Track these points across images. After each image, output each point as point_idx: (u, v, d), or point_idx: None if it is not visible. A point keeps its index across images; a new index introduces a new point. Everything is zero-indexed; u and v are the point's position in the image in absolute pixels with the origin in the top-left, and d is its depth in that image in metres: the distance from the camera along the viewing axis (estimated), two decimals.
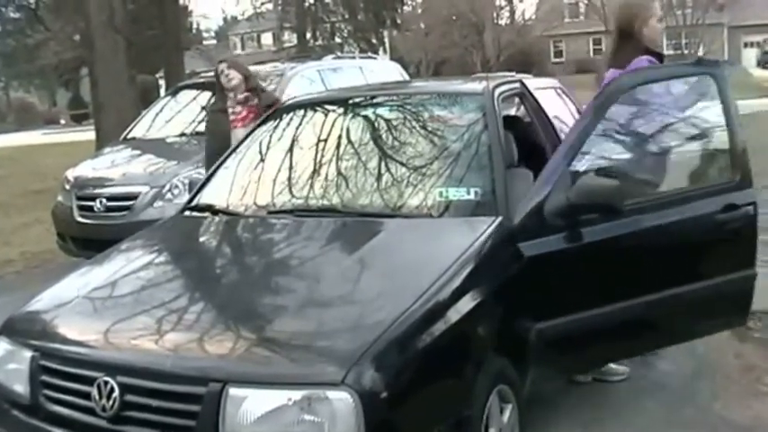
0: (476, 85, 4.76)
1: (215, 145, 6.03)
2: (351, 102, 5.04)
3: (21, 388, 3.18)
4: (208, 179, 4.72)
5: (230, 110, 6.15)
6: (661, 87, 4.34)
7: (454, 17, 50.53)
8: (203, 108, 9.33)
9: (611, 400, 4.60)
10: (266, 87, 6.65)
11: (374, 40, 39.27)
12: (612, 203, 3.75)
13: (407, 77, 11.83)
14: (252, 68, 10.36)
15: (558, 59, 61.20)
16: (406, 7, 47.69)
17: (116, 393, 2.85)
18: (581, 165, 3.91)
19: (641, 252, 4.00)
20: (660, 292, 3.97)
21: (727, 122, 4.29)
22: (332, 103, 5.17)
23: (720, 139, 4.34)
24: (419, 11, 54.05)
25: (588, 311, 3.80)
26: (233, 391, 2.69)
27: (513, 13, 58.96)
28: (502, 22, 56.93)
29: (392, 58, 31.92)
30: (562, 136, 5.09)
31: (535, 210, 3.71)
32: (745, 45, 58.20)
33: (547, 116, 4.97)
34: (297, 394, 2.64)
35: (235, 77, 6.16)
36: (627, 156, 4.25)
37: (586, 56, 60.51)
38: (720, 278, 4.16)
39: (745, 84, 28.80)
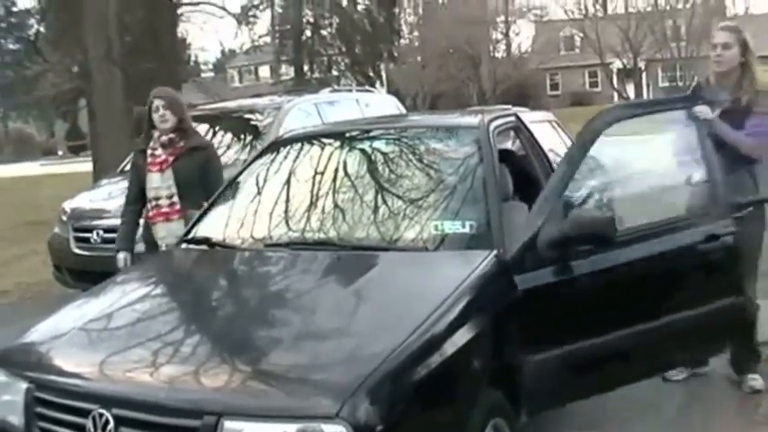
0: (471, 119, 4.80)
1: (134, 189, 5.58)
2: (347, 135, 5.07)
3: (15, 419, 3.18)
4: (205, 212, 4.73)
5: (149, 151, 5.44)
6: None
7: (450, 50, 50.80)
8: None
9: (605, 426, 4.62)
10: (195, 128, 5.87)
11: (371, 73, 39.48)
12: (607, 234, 3.78)
13: (404, 110, 11.87)
14: (249, 101, 10.51)
15: (554, 92, 61.52)
16: (402, 40, 48.15)
17: (111, 426, 2.85)
18: (573, 197, 4.02)
19: (631, 282, 4.07)
20: (651, 320, 4.05)
21: (702, 155, 4.51)
22: (328, 136, 5.19)
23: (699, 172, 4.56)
24: (416, 44, 54.38)
25: (583, 342, 3.83)
26: (228, 425, 2.69)
27: (509, 46, 59.35)
28: (498, 55, 57.27)
29: (389, 91, 32.10)
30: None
31: (529, 243, 3.73)
32: None
33: (542, 149, 5.00)
34: (292, 427, 2.64)
35: (170, 120, 5.41)
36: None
37: (582, 88, 60.91)
38: (706, 306, 4.25)
39: None
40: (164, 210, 5.32)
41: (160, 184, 5.34)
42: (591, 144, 4.11)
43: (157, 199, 5.33)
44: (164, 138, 5.40)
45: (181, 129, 5.45)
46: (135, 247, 5.52)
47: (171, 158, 5.37)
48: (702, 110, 4.50)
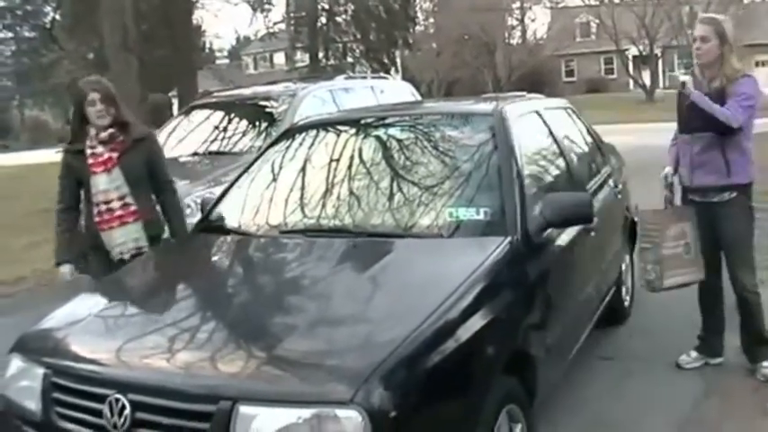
0: (486, 106, 4.81)
1: (69, 195, 4.97)
2: (362, 122, 5.09)
3: (33, 405, 3.21)
4: (220, 199, 4.75)
5: (89, 150, 4.83)
6: None
7: (466, 37, 50.59)
8: (216, 127, 9.42)
9: (615, 418, 4.63)
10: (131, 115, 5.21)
11: (386, 60, 39.47)
12: (588, 213, 3.99)
13: (419, 97, 11.86)
14: (264, 89, 10.51)
15: (569, 79, 61.25)
16: (417, 27, 48.10)
17: (127, 411, 2.87)
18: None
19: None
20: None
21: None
22: (343, 123, 5.20)
23: None
24: (431, 31, 54.21)
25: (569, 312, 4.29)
26: (243, 409, 2.71)
27: (524, 32, 59.06)
28: (513, 42, 56.99)
29: (404, 78, 32.05)
30: (572, 156, 5.15)
31: (524, 231, 3.85)
32: (757, 64, 58.11)
33: (555, 136, 5.01)
34: (306, 412, 2.65)
35: (108, 114, 4.84)
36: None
37: (597, 75, 60.62)
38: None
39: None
40: (117, 213, 4.83)
41: (108, 185, 4.82)
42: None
43: (108, 202, 4.82)
44: (103, 134, 4.82)
45: (119, 122, 4.89)
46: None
47: (115, 155, 4.84)
48: (688, 85, 4.76)
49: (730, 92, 4.78)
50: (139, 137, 4.96)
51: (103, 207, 4.83)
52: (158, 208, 5.06)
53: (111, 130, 4.84)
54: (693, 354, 5.25)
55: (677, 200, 5.23)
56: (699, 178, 4.96)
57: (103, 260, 4.86)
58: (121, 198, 4.84)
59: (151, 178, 4.98)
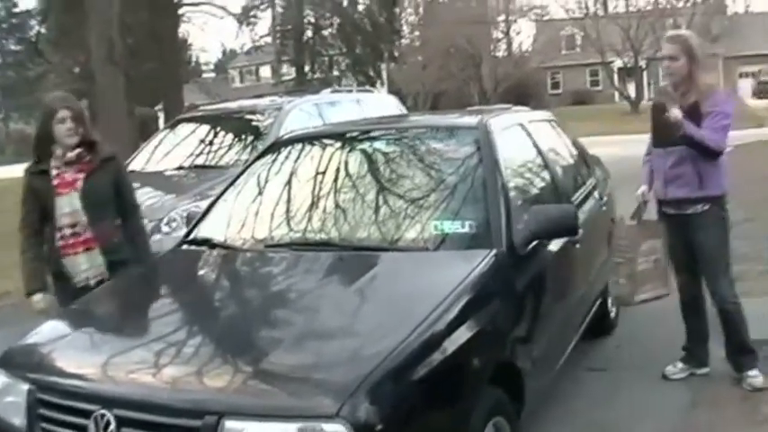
0: (471, 119, 4.83)
1: (34, 218, 4.63)
2: (347, 136, 5.10)
3: (18, 421, 3.19)
4: (205, 213, 4.75)
5: (54, 171, 4.55)
6: None
7: (451, 49, 50.77)
8: (202, 141, 9.41)
9: (604, 429, 4.65)
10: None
11: (372, 73, 39.53)
12: (573, 225, 4.00)
13: (405, 110, 11.89)
14: (250, 102, 10.51)
15: (555, 91, 61.55)
16: (403, 40, 48.20)
17: (113, 426, 2.86)
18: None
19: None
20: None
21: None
22: (328, 137, 5.21)
23: None
24: (417, 44, 54.38)
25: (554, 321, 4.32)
26: (229, 424, 2.70)
27: (510, 45, 59.30)
28: (499, 54, 57.22)
29: (390, 91, 32.13)
30: (557, 168, 5.18)
31: (509, 243, 3.86)
32: (741, 75, 58.55)
33: (540, 148, 5.03)
34: (292, 427, 2.65)
35: (77, 133, 4.55)
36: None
37: (583, 87, 60.92)
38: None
39: (740, 114, 28.90)
40: (83, 237, 4.53)
41: (74, 208, 4.52)
42: None
43: (73, 226, 4.52)
44: (70, 154, 4.53)
45: (87, 141, 4.60)
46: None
47: (82, 176, 4.55)
48: (675, 111, 4.70)
49: (705, 107, 4.82)
50: (106, 157, 4.69)
51: (68, 231, 4.53)
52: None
53: (78, 150, 4.55)
54: (680, 364, 5.27)
55: (652, 213, 5.25)
56: (672, 191, 4.99)
57: (66, 288, 4.55)
58: (87, 221, 4.55)
59: (117, 201, 4.73)
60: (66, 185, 4.53)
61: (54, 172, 4.54)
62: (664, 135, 4.91)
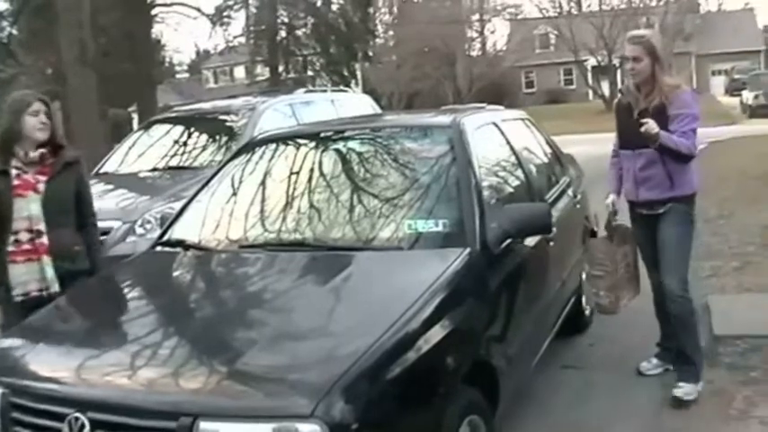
0: (444, 118, 4.84)
1: None
2: (320, 136, 5.10)
3: None
4: (179, 214, 4.73)
5: (14, 171, 4.33)
6: None
7: (426, 49, 50.87)
8: (176, 142, 9.37)
9: (580, 426, 4.68)
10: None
11: (346, 73, 39.50)
12: (546, 224, 4.03)
13: (379, 110, 11.90)
14: (224, 103, 10.48)
15: (529, 90, 61.78)
16: (378, 40, 48.19)
17: (87, 429, 2.85)
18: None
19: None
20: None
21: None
22: (302, 137, 5.21)
23: None
24: (391, 43, 54.46)
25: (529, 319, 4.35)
26: (203, 425, 2.70)
27: (484, 44, 59.60)
28: (473, 54, 57.44)
29: (364, 90, 32.10)
30: (530, 166, 5.20)
31: (482, 242, 3.87)
32: (713, 73, 59.06)
33: (513, 147, 5.06)
34: (267, 427, 2.65)
35: (48, 130, 4.38)
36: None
37: (557, 86, 61.17)
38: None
39: (713, 111, 29.18)
40: (39, 243, 4.32)
41: (35, 212, 4.31)
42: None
43: (30, 231, 4.30)
44: (33, 154, 4.34)
45: (53, 143, 4.44)
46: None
47: (43, 179, 4.35)
48: (650, 125, 4.59)
49: (671, 108, 4.79)
50: (69, 161, 4.49)
51: (25, 236, 4.30)
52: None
53: (42, 150, 4.37)
54: (654, 360, 5.31)
55: (625, 216, 5.23)
56: (644, 193, 4.98)
57: (9, 299, 4.29)
58: (33, 229, 4.31)
59: (76, 208, 4.53)
60: (27, 187, 4.32)
61: (14, 172, 4.32)
62: (632, 137, 4.88)
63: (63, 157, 4.46)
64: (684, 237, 4.99)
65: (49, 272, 4.33)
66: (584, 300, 6.13)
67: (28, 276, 4.31)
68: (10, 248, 4.30)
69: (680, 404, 4.80)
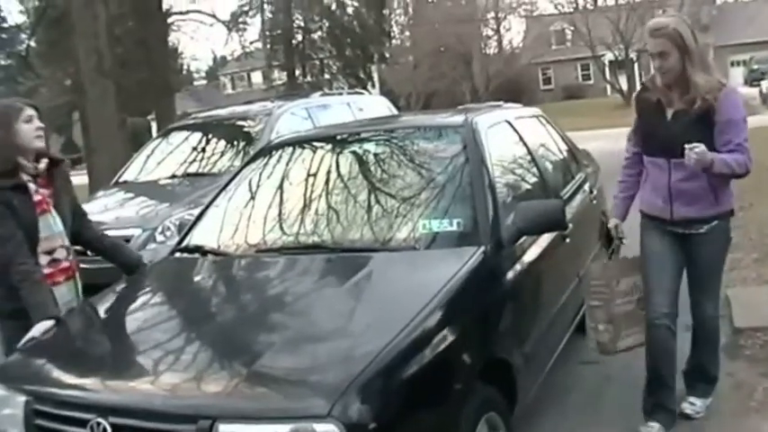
0: (457, 118, 4.86)
1: (21, 238, 3.86)
2: (335, 139, 5.14)
3: None
4: (197, 220, 4.77)
5: (32, 185, 3.94)
6: None
7: (442, 49, 50.86)
8: (194, 149, 9.45)
9: (603, 420, 4.68)
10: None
11: (362, 75, 39.54)
12: (560, 220, 4.02)
13: (395, 111, 11.94)
14: (241, 108, 10.55)
15: (546, 87, 61.64)
16: (393, 41, 48.21)
17: None
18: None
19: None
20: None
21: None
22: (316, 140, 5.26)
23: None
24: (407, 44, 54.46)
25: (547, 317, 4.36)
26: (222, 428, 2.73)
27: (500, 42, 59.46)
28: (489, 52, 57.34)
29: (382, 92, 32.14)
30: (545, 163, 5.21)
31: (497, 240, 3.89)
32: (732, 64, 58.60)
33: (527, 144, 5.07)
34: (284, 428, 2.67)
35: (43, 135, 4.04)
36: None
37: (575, 82, 60.99)
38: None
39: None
40: (63, 265, 4.02)
41: (52, 230, 3.99)
42: None
43: (51, 252, 3.97)
44: (42, 165, 4.02)
45: (50, 157, 4.10)
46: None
47: (48, 192, 4.03)
48: (702, 152, 3.97)
49: (719, 114, 4.10)
50: (64, 168, 4.21)
51: (62, 253, 4.03)
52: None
53: (45, 161, 4.04)
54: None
55: (633, 248, 4.64)
56: (681, 210, 4.29)
57: (22, 327, 3.77)
58: (65, 245, 4.05)
59: (74, 217, 4.23)
60: (47, 202, 3.99)
61: (32, 187, 3.94)
62: (666, 143, 4.22)
63: (62, 168, 4.18)
64: (724, 256, 4.53)
65: (80, 289, 4.14)
66: None
67: (70, 296, 4.03)
68: (47, 270, 3.93)
69: (688, 419, 4.52)
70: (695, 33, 4.18)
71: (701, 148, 3.95)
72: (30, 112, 3.96)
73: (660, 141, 4.27)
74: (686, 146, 3.96)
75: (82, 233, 4.33)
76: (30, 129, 3.94)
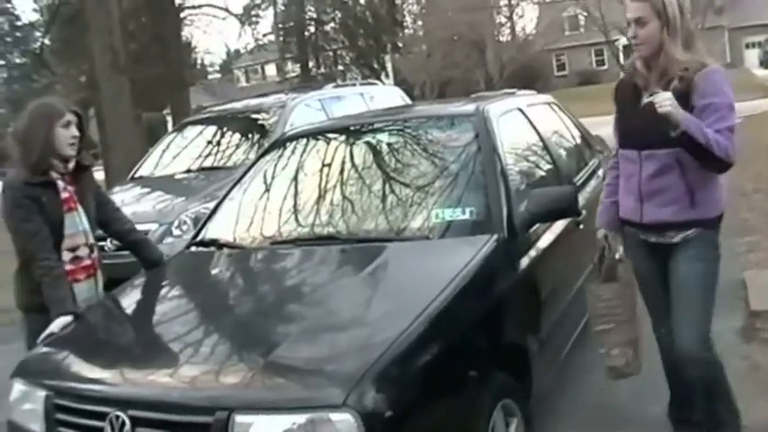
0: (468, 107, 4.86)
1: (47, 234, 3.94)
2: (347, 129, 5.16)
3: (36, 427, 3.26)
4: (212, 213, 4.81)
5: (60, 184, 4.02)
6: None
7: (455, 37, 50.75)
8: (209, 142, 9.49)
9: (617, 404, 4.69)
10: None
11: (376, 66, 39.48)
12: (573, 206, 4.01)
13: (409, 101, 11.94)
14: (255, 101, 10.60)
15: (560, 73, 61.40)
16: (406, 30, 48.10)
17: (127, 427, 2.92)
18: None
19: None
20: None
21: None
22: (329, 131, 5.28)
23: None
24: (420, 33, 54.35)
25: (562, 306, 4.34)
26: (239, 419, 2.75)
27: (513, 29, 59.26)
28: (503, 39, 57.17)
29: (396, 82, 32.08)
30: (558, 150, 5.21)
31: (510, 226, 3.89)
32: (747, 46, 58.24)
33: (539, 132, 5.07)
34: (301, 418, 2.70)
35: (77, 145, 4.08)
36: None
37: (589, 67, 60.74)
38: None
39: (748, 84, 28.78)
40: (85, 263, 4.08)
41: (77, 228, 4.06)
42: None
43: (74, 249, 4.03)
44: (71, 165, 4.09)
45: (80, 164, 4.18)
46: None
47: (73, 189, 4.09)
48: (663, 97, 3.36)
49: (695, 96, 3.47)
50: (88, 166, 4.26)
51: (84, 251, 4.08)
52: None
53: (74, 162, 4.11)
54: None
55: (620, 251, 4.05)
56: (651, 212, 3.69)
57: (44, 322, 3.83)
58: (88, 243, 4.11)
59: (102, 213, 4.32)
60: (74, 200, 4.06)
61: (61, 185, 4.02)
62: (638, 131, 3.66)
63: (89, 171, 4.27)
64: (709, 277, 3.72)
65: (101, 287, 4.21)
66: None
67: (90, 294, 4.09)
68: (69, 267, 4.01)
69: None
70: (684, 8, 3.56)
71: (663, 94, 3.37)
72: (69, 117, 4.02)
73: (631, 130, 3.72)
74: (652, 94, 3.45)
75: (110, 225, 4.45)
76: (66, 135, 4.00)
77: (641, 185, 3.68)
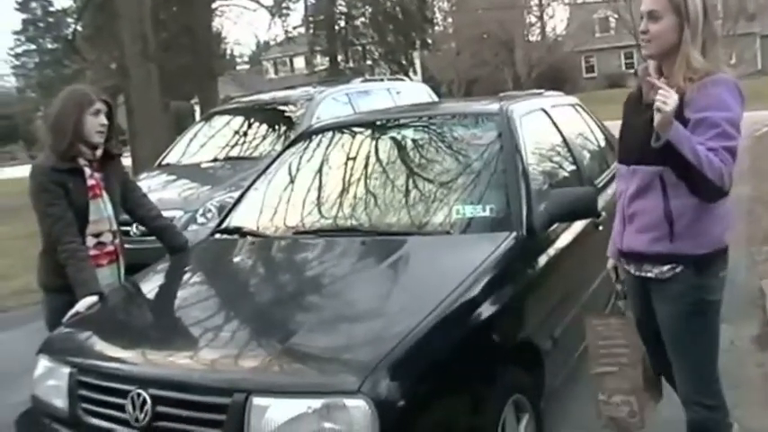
0: (492, 105, 4.91)
1: (71, 218, 4.04)
2: (372, 124, 5.23)
3: (60, 402, 3.35)
4: (236, 202, 4.89)
5: (87, 170, 4.11)
6: None
7: (484, 35, 50.67)
8: (236, 132, 9.58)
9: None
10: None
11: (404, 62, 39.45)
12: (593, 208, 4.03)
13: (435, 98, 11.97)
14: (283, 93, 10.67)
15: (589, 75, 61.07)
16: (436, 28, 48.02)
17: (148, 405, 3.00)
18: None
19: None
20: None
21: None
22: (354, 125, 5.35)
23: None
24: (449, 31, 54.30)
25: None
26: (256, 401, 2.82)
27: (543, 29, 59.06)
28: (532, 39, 57.01)
29: (424, 79, 32.05)
30: (580, 151, 5.25)
31: (529, 226, 3.93)
32: None
33: (562, 133, 5.11)
34: (316, 402, 2.76)
35: (105, 133, 4.14)
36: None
37: (618, 70, 60.35)
38: None
39: None
40: (108, 248, 4.18)
41: (102, 214, 4.14)
42: None
43: (98, 235, 4.13)
44: (99, 152, 4.16)
45: (108, 152, 4.26)
46: None
47: (99, 176, 4.17)
48: (665, 96, 2.82)
49: (689, 108, 2.94)
50: (116, 154, 4.35)
51: (108, 237, 4.18)
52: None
53: (101, 150, 4.18)
54: None
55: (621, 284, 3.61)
56: (628, 237, 3.26)
57: (68, 303, 3.93)
58: (112, 229, 4.20)
59: (128, 200, 4.45)
60: (100, 187, 4.14)
61: (88, 172, 4.10)
62: (631, 144, 3.21)
63: (118, 161, 4.36)
64: (696, 325, 3.19)
65: (122, 272, 4.29)
66: None
67: (112, 279, 4.18)
68: (93, 252, 4.10)
69: None
70: (708, 9, 3.04)
71: (673, 92, 2.84)
72: (98, 106, 4.09)
73: (626, 140, 3.30)
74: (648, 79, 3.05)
75: (136, 210, 4.56)
76: (94, 122, 4.07)
77: (624, 206, 3.26)
